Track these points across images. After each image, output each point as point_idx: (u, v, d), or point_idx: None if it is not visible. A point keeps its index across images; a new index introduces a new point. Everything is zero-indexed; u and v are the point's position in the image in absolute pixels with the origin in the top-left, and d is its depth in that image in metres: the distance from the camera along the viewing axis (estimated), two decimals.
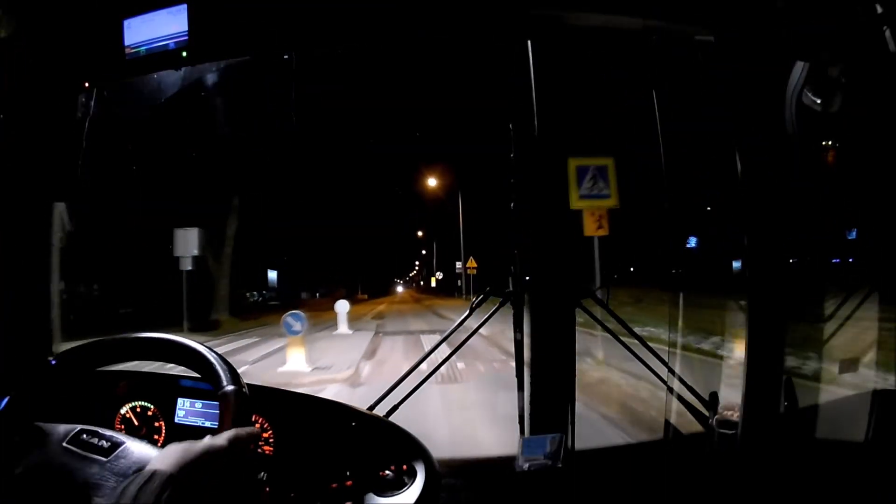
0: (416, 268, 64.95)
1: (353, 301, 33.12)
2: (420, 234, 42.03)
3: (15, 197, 1.07)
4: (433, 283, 35.58)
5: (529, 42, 1.13)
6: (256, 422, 0.90)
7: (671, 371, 1.24)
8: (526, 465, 1.12)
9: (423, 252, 49.45)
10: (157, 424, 0.97)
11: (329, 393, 4.78)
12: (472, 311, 1.30)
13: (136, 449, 0.59)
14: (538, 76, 1.14)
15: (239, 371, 0.69)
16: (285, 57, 1.20)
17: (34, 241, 1.10)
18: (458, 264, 23.27)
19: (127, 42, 1.10)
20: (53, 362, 0.71)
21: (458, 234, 21.89)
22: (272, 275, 32.51)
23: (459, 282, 23.87)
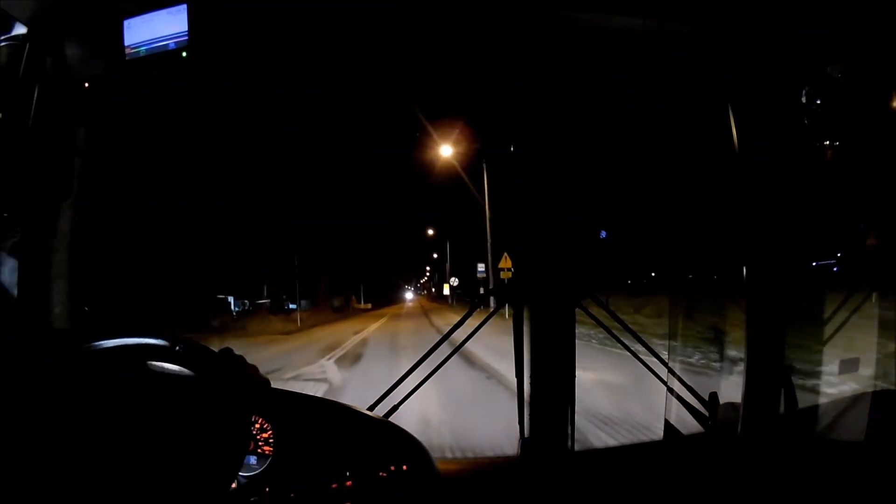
0: (427, 273, 58.93)
1: (348, 313, 27.19)
2: (431, 232, 33.91)
3: (15, 196, 1.07)
4: (446, 291, 29.43)
5: (529, 44, 1.13)
6: (256, 422, 0.90)
7: (671, 371, 1.24)
8: (526, 466, 1.12)
9: (435, 255, 42.53)
10: None
11: None
12: (471, 312, 1.30)
13: None
14: (538, 79, 1.14)
15: None
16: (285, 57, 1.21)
17: (34, 240, 1.10)
18: (481, 267, 17.36)
19: (127, 42, 1.11)
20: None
21: (479, 228, 15.85)
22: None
23: (482, 289, 16.95)
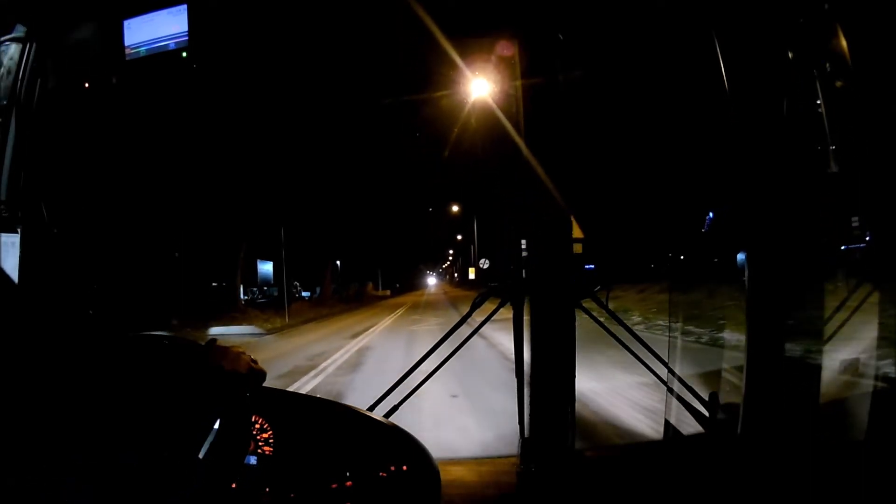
0: (450, 258, 55.98)
1: (360, 302, 22.91)
2: (455, 209, 28.33)
3: (15, 195, 1.07)
4: (471, 275, 26.08)
5: (525, 42, 1.13)
6: (256, 422, 0.90)
7: (671, 371, 1.24)
8: (526, 466, 1.12)
9: (459, 237, 38.46)
10: None
11: None
12: (472, 310, 1.30)
13: None
14: (536, 79, 1.13)
15: None
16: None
17: (34, 238, 1.10)
18: (523, 244, 8.71)
19: (127, 42, 1.11)
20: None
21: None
22: (265, 267, 25.69)
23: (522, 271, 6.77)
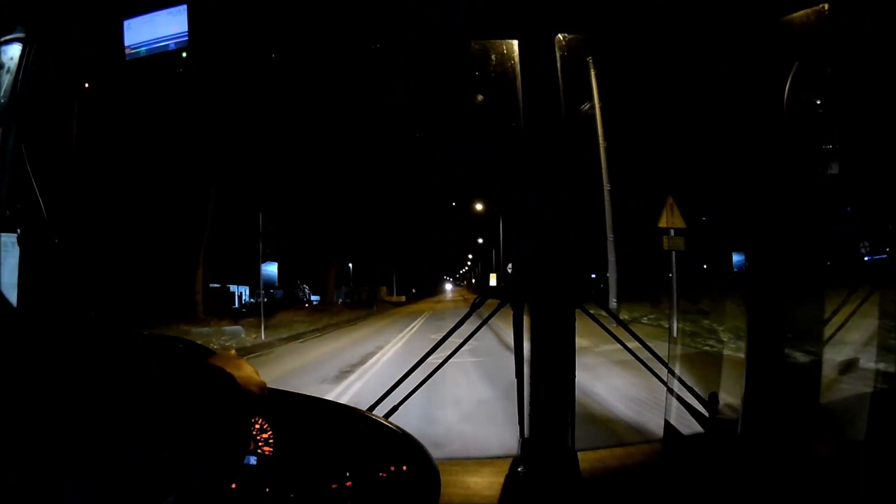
0: (468, 263, 55.51)
1: (370, 310, 20.68)
2: (479, 207, 25.83)
3: (16, 195, 1.07)
4: (492, 282, 23.91)
5: (525, 43, 1.13)
6: (256, 422, 0.90)
7: (671, 371, 1.24)
8: (526, 466, 1.12)
9: (480, 241, 37.02)
10: None
11: None
12: (472, 311, 1.30)
13: None
14: (539, 78, 1.13)
15: None
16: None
17: (34, 239, 1.10)
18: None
19: (127, 42, 1.11)
20: None
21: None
22: (270, 269, 23.56)
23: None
